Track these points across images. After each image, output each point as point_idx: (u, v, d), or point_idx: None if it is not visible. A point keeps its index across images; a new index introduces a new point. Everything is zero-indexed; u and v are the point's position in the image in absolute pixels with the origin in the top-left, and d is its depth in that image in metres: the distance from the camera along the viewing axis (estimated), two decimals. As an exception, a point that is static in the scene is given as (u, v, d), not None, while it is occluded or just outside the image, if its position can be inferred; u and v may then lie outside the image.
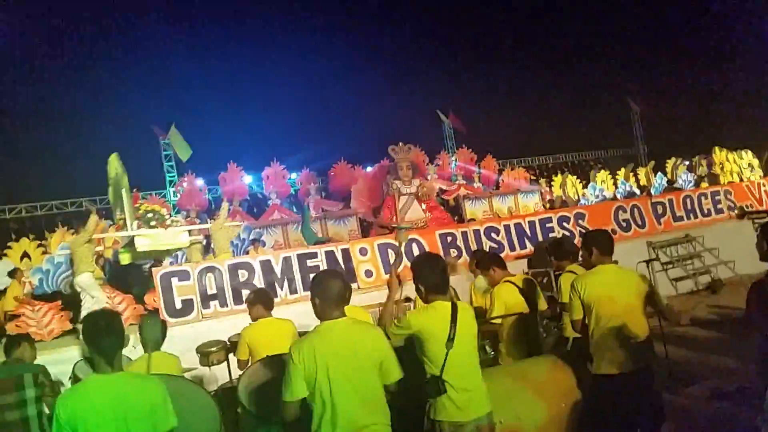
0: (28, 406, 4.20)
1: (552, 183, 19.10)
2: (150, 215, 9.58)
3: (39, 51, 24.99)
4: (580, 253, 4.25)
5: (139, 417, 2.61)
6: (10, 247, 13.88)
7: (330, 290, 2.88)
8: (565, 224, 10.41)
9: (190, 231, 10.03)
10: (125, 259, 9.79)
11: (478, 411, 3.02)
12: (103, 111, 24.81)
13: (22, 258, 13.40)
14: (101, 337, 2.71)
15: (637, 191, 17.20)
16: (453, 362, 2.98)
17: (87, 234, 8.77)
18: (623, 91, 25.67)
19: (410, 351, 3.20)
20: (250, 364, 4.42)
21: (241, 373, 4.32)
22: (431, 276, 3.19)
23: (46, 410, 4.33)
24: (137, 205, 10.48)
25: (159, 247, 9.52)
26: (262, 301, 4.82)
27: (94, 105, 25.50)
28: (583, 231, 10.21)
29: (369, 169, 18.19)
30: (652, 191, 17.04)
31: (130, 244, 9.68)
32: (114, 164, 10.01)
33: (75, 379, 5.55)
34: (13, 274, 10.72)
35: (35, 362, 4.67)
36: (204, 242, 10.90)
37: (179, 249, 10.28)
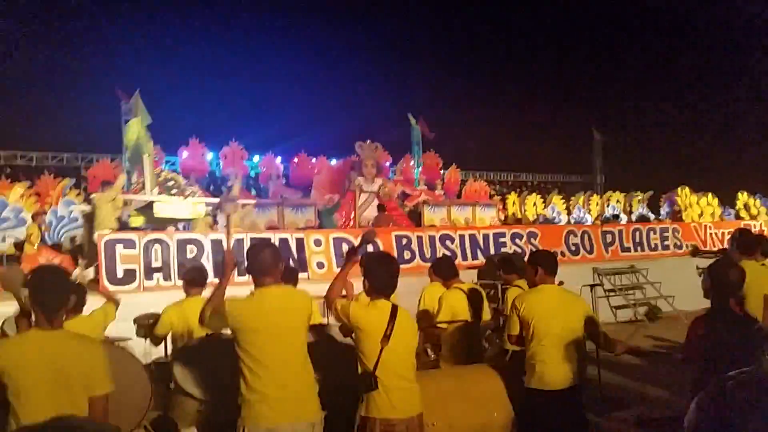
0: None
1: (505, 200, 19.44)
2: (171, 183, 10.34)
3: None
4: (527, 271, 4.33)
5: (73, 377, 2.54)
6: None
7: (261, 260, 3.06)
8: (517, 240, 10.62)
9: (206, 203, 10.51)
10: (136, 222, 9.87)
11: (409, 410, 3.05)
12: (71, 68, 24.05)
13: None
14: (44, 292, 2.66)
15: (590, 219, 17.69)
16: (387, 360, 3.01)
17: (114, 192, 9.08)
18: (589, 119, 26.39)
19: (348, 349, 3.26)
20: (170, 341, 4.45)
21: (173, 349, 4.25)
22: (382, 276, 3.23)
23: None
24: (157, 172, 10.92)
25: (177, 214, 9.93)
26: (193, 279, 4.78)
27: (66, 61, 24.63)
28: (534, 249, 10.45)
29: (333, 161, 18.10)
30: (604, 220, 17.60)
31: (145, 208, 9.83)
32: (135, 128, 10.48)
33: (2, 334, 5.31)
34: (35, 217, 10.25)
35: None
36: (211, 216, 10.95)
37: (195, 219, 10.39)
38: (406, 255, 9.70)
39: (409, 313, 3.35)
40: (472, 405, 3.74)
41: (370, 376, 2.99)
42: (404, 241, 9.96)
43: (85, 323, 4.18)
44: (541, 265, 3.93)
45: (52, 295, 2.65)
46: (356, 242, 5.38)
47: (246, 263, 3.09)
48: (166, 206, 9.61)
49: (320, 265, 9.14)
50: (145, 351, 5.76)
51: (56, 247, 9.82)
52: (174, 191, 10.11)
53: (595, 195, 20.44)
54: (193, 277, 4.74)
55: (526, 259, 6.58)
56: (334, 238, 9.37)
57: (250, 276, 3.12)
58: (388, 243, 9.64)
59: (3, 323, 5.64)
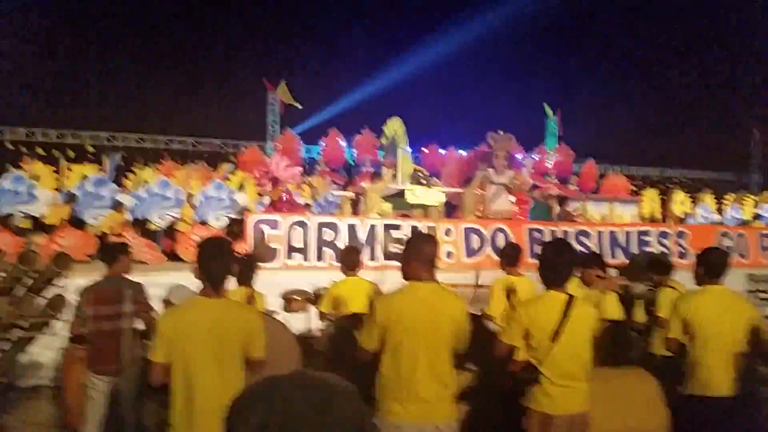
0: (123, 320, 4.39)
1: (642, 197, 18.09)
2: (420, 173, 12.56)
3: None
4: (694, 270, 4.02)
5: (233, 342, 2.73)
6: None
7: (423, 252, 2.91)
8: (663, 240, 9.88)
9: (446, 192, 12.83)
10: (387, 208, 11.63)
11: (570, 407, 2.94)
12: (215, 58, 26.02)
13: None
14: (210, 261, 2.85)
15: (745, 219, 16.07)
16: (556, 357, 2.90)
17: (384, 183, 11.67)
18: (747, 116, 23.96)
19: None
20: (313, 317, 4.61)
21: (324, 324, 4.44)
22: (555, 265, 3.11)
23: (139, 326, 4.60)
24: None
25: (425, 201, 12.01)
26: (349, 260, 4.89)
27: (210, 52, 26.67)
28: (682, 250, 9.67)
29: (463, 152, 17.92)
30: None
31: (397, 195, 12.02)
32: (393, 125, 13.15)
33: (167, 303, 5.87)
34: (189, 198, 11.35)
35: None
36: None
37: (437, 206, 12.43)
38: (538, 249, 9.39)
39: (587, 305, 3.20)
40: (623, 409, 3.54)
41: (534, 370, 2.91)
42: (537, 234, 9.66)
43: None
44: (710, 266, 3.64)
45: (216, 264, 2.83)
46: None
47: (403, 254, 3.04)
48: (414, 195, 11.66)
49: (449, 255, 9.12)
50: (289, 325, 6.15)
51: (144, 222, 10.55)
52: (423, 181, 12.15)
53: (749, 195, 18.50)
54: (352, 259, 4.90)
55: (674, 260, 6.20)
56: (465, 228, 9.31)
57: (402, 269, 3.03)
58: (519, 236, 9.40)
59: (169, 293, 6.27)
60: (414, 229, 8.99)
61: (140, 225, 9.99)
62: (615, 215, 14.00)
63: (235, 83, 23.48)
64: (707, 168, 23.82)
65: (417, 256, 2.95)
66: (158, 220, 10.33)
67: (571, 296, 3.04)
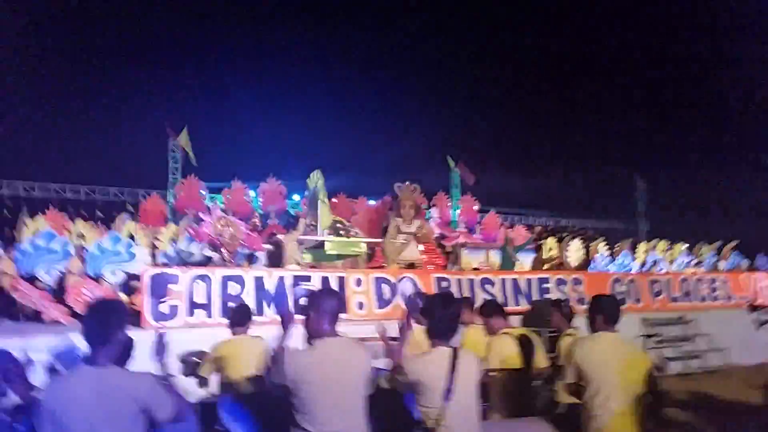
0: None
1: (542, 245, 19.04)
2: (339, 224, 12.59)
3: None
4: (588, 316, 4.15)
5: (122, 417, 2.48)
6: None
7: (326, 306, 2.84)
8: (561, 287, 10.33)
9: (366, 242, 12.92)
10: (306, 259, 11.66)
11: None
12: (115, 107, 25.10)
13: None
14: (93, 322, 2.64)
15: (634, 267, 17.20)
16: (453, 413, 2.85)
17: (298, 233, 11.41)
18: (631, 165, 25.95)
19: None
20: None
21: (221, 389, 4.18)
22: (444, 320, 3.09)
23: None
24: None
25: (343, 251, 12.17)
26: (236, 318, 4.72)
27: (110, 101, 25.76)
28: (579, 296, 10.14)
29: (371, 202, 18.11)
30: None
31: (317, 247, 12.07)
32: (314, 178, 12.90)
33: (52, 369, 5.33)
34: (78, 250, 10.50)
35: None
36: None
37: (357, 255, 12.46)
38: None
39: (472, 356, 3.19)
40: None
41: None
42: (443, 283, 9.80)
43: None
44: (603, 312, 3.76)
45: (103, 330, 2.63)
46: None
47: (305, 308, 2.97)
48: (332, 245, 11.76)
49: (360, 306, 9.02)
50: (186, 391, 5.74)
51: (95, 279, 9.91)
52: (342, 232, 12.40)
53: (642, 242, 19.92)
54: (240, 317, 4.70)
55: (572, 305, 6.43)
56: (375, 278, 9.27)
57: (305, 325, 2.97)
58: (427, 284, 9.50)
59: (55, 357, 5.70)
60: (324, 280, 8.86)
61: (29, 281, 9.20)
62: (517, 264, 14.54)
63: (134, 129, 22.69)
64: (599, 217, 25.52)
65: (319, 309, 2.91)
66: (44, 275, 9.55)
67: (455, 349, 3.05)
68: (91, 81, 25.52)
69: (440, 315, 3.10)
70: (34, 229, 12.24)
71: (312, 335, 2.93)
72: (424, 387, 2.89)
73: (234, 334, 4.63)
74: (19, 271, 9.40)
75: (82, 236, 12.98)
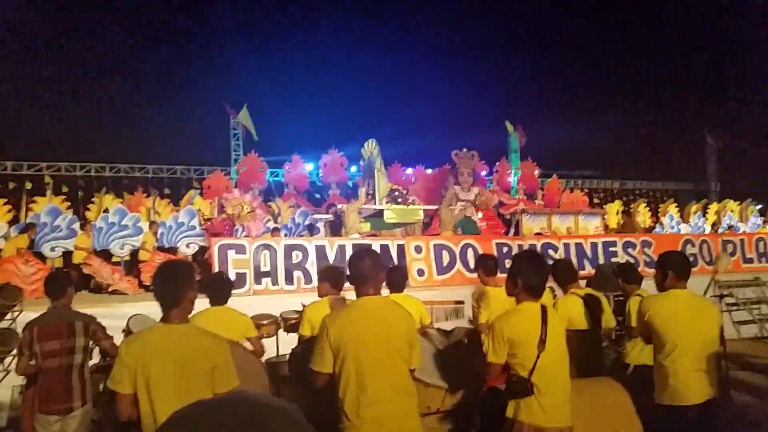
0: (74, 355, 4.01)
1: (607, 209, 18.48)
2: (397, 192, 12.72)
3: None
4: (653, 275, 4.00)
5: (198, 375, 2.56)
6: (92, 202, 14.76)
7: (361, 268, 2.87)
8: (629, 250, 10.02)
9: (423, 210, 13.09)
10: (366, 227, 11.82)
11: (561, 420, 2.87)
12: (178, 87, 25.89)
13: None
14: (160, 285, 2.69)
15: (707, 228, 16.49)
16: (544, 365, 2.84)
17: (360, 202, 11.61)
18: (701, 124, 24.63)
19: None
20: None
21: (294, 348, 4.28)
22: (534, 276, 3.04)
23: (93, 360, 4.33)
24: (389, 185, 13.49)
25: (403, 219, 12.34)
26: (329, 279, 4.65)
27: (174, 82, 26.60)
28: (648, 259, 9.81)
29: (429, 170, 18.04)
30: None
31: (375, 215, 12.35)
32: (370, 147, 13.17)
33: (128, 332, 5.64)
34: (151, 225, 11.08)
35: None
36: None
37: (415, 223, 12.65)
38: (507, 264, 9.40)
39: (556, 313, 3.15)
40: (595, 421, 3.47)
41: (525, 381, 2.83)
42: (504, 249, 9.69)
43: (231, 318, 4.26)
44: (672, 268, 3.60)
45: (165, 286, 2.67)
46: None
47: (348, 271, 2.99)
48: (392, 213, 12.00)
49: (420, 272, 9.07)
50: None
51: (171, 251, 10.39)
52: (399, 200, 12.40)
53: (713, 203, 19.02)
54: (332, 278, 4.65)
55: (641, 269, 6.18)
56: (434, 245, 9.28)
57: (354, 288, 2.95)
58: (487, 250, 9.41)
59: (129, 321, 6.04)
60: (384, 248, 8.93)
61: (103, 255, 9.72)
62: (580, 227, 14.19)
63: (198, 110, 23.37)
64: (667, 178, 24.44)
65: (359, 273, 2.90)
66: (118, 250, 10.06)
67: (543, 306, 3.00)
68: (157, 67, 26.41)
69: (532, 272, 3.04)
70: (107, 207, 12.94)
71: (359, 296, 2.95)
72: (518, 342, 2.88)
73: (322, 295, 4.60)
74: (94, 247, 9.96)
75: (157, 212, 13.65)
